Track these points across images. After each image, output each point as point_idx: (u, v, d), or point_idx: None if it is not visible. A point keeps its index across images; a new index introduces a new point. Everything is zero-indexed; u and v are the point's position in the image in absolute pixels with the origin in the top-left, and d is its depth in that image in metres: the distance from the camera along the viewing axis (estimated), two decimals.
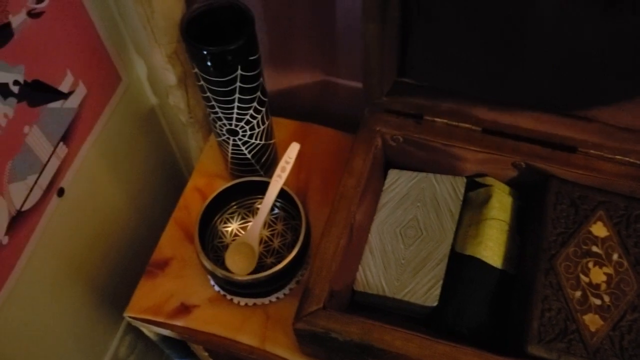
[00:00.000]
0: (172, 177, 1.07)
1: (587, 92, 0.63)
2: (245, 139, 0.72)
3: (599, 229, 0.65)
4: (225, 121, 0.69)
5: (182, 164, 1.11)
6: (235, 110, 0.67)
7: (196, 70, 0.64)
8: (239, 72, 0.63)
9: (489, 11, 0.59)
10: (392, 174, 0.74)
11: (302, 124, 0.86)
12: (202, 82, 0.65)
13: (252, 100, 0.67)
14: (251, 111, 0.68)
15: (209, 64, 0.62)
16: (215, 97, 0.66)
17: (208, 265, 0.67)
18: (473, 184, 0.72)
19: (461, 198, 0.70)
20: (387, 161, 0.76)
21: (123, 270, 0.97)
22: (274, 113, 0.83)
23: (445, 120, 0.71)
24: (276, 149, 0.80)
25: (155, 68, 0.84)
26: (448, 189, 0.71)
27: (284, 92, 0.86)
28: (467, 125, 0.71)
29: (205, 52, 0.61)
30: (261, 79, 0.67)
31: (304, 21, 0.75)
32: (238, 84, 0.64)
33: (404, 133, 0.72)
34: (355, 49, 0.75)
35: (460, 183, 0.71)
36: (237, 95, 0.65)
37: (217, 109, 0.68)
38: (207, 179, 0.83)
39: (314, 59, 0.79)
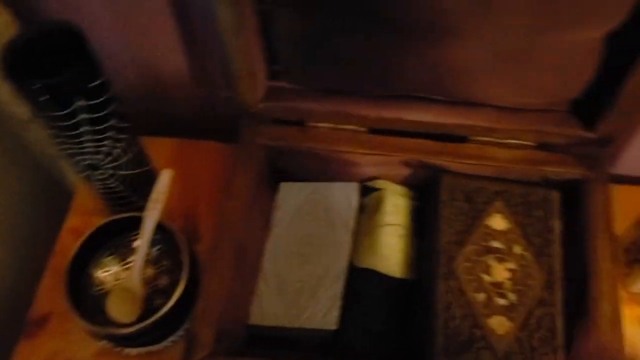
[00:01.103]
0: (59, 217, 0.96)
1: (464, 74, 0.59)
2: (110, 171, 0.64)
3: (498, 222, 0.61)
4: (79, 157, 0.61)
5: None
6: (87, 144, 0.59)
7: (30, 106, 0.56)
8: (80, 102, 0.55)
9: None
10: (284, 187, 0.68)
11: (185, 141, 0.79)
12: (40, 119, 0.57)
13: (106, 130, 0.59)
14: (108, 142, 0.60)
15: (43, 98, 0.54)
16: (59, 132, 0.58)
17: (84, 325, 0.60)
18: (366, 189, 0.67)
19: (355, 206, 0.65)
20: (277, 174, 0.70)
21: None
22: (152, 133, 0.76)
23: (328, 124, 0.66)
24: (154, 175, 0.72)
25: (6, 103, 0.75)
26: (341, 198, 0.66)
27: (161, 110, 0.78)
28: (352, 127, 0.65)
29: (36, 87, 0.53)
30: (113, 105, 0.59)
31: (164, 32, 0.67)
32: (82, 115, 0.56)
33: (288, 143, 0.66)
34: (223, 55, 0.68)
35: (353, 190, 0.66)
36: (85, 128, 0.57)
37: (67, 145, 0.60)
38: (85, 217, 0.74)
39: (184, 71, 0.72)
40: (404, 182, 0.67)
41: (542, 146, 0.63)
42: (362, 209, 0.66)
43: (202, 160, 0.77)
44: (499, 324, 0.56)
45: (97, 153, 0.61)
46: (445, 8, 0.50)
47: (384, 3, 0.52)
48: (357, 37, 0.56)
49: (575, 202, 0.62)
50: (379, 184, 0.66)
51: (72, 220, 0.75)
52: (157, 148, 0.77)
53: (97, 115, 0.58)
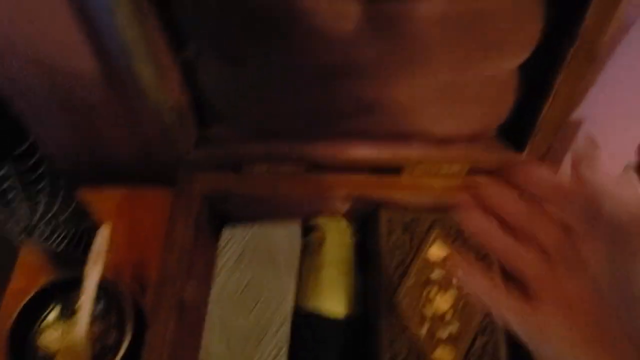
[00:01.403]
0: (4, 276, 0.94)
1: (391, 111, 0.60)
2: (47, 235, 0.63)
3: (437, 251, 0.62)
4: (11, 224, 0.60)
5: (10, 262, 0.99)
6: (19, 211, 0.59)
7: None
8: (5, 169, 0.54)
9: (272, 48, 0.54)
10: (225, 233, 0.68)
11: (130, 189, 0.78)
12: None
13: (38, 193, 0.59)
14: (41, 206, 0.60)
15: None
16: None
17: None
18: (308, 228, 0.67)
19: (297, 247, 0.65)
20: (218, 219, 0.70)
21: None
22: (94, 182, 0.75)
23: (265, 167, 0.66)
24: (98, 227, 0.72)
25: None
26: (283, 239, 0.66)
27: (102, 161, 0.78)
28: (289, 167, 0.66)
29: None
30: (44, 166, 0.58)
31: (92, 79, 0.67)
32: (8, 183, 0.55)
33: (226, 188, 0.66)
34: None
35: (295, 230, 0.66)
36: (12, 195, 0.57)
37: None
38: (30, 277, 0.73)
39: (119, 119, 0.72)
40: (344, 217, 0.67)
41: (475, 172, 0.64)
42: (304, 248, 0.66)
43: (148, 208, 0.77)
44: (443, 356, 0.56)
45: (30, 217, 0.60)
46: (355, 51, 0.51)
47: (303, 49, 0.52)
48: (279, 83, 0.56)
49: None
50: (320, 221, 0.66)
51: (17, 281, 0.73)
52: (102, 199, 0.76)
53: (26, 179, 0.57)
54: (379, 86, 0.56)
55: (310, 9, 0.48)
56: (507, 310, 0.36)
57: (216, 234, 0.69)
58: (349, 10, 0.49)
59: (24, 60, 0.64)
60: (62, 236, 0.65)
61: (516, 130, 0.62)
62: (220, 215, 0.69)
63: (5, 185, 0.55)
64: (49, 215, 0.62)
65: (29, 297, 0.64)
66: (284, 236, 0.66)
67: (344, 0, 0.48)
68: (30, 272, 0.74)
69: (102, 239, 0.63)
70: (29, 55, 0.64)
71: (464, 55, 0.52)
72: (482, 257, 0.61)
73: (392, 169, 0.65)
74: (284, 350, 0.59)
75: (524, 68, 0.55)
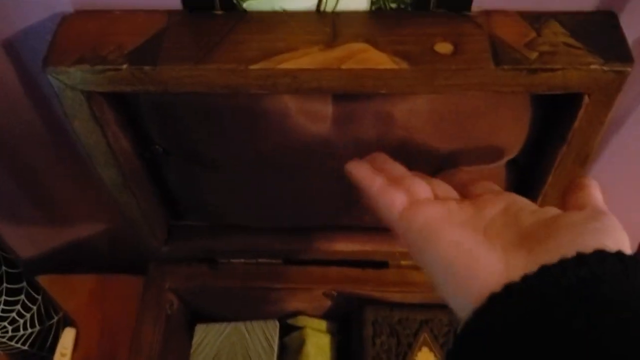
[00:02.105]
0: None
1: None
2: (10, 334, 0.59)
3: (425, 356, 0.57)
4: None
5: None
6: None
7: None
8: None
9: (237, 146, 0.51)
10: (199, 330, 0.64)
11: (100, 276, 0.74)
12: None
13: None
14: (1, 306, 0.56)
15: None
16: None
17: None
18: (287, 328, 0.62)
19: (275, 347, 0.60)
20: (193, 315, 0.66)
21: None
22: (64, 270, 0.72)
23: (241, 260, 0.62)
24: (68, 321, 0.68)
25: None
26: (260, 339, 0.61)
27: (72, 248, 0.74)
28: (266, 260, 0.62)
29: None
30: (3, 267, 0.55)
31: (58, 171, 0.64)
32: None
33: (200, 283, 0.62)
34: None
35: (273, 329, 0.62)
36: None
37: None
38: None
39: (88, 210, 0.69)
40: (326, 315, 0.63)
41: None
42: (283, 349, 0.62)
43: (121, 297, 0.72)
44: None
45: None
46: (340, 149, 0.48)
47: (276, 149, 0.49)
48: (250, 178, 0.53)
49: None
50: (300, 321, 0.62)
51: None
52: (70, 286, 0.72)
53: None
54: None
55: (281, 110, 0.45)
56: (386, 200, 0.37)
57: (189, 331, 0.64)
58: (321, 109, 0.46)
59: None
60: (25, 335, 0.61)
61: None
62: (193, 312, 0.64)
63: None
64: (11, 315, 0.58)
65: None
66: (261, 334, 0.61)
67: (316, 101, 0.45)
68: None
69: (66, 342, 0.59)
70: None
71: (446, 153, 0.48)
72: None
73: (377, 263, 0.61)
74: None
75: (512, 165, 0.52)
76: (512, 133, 0.47)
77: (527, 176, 0.52)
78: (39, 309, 0.61)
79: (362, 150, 0.48)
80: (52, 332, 0.64)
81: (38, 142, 0.60)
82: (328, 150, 0.49)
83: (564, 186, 0.49)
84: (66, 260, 0.74)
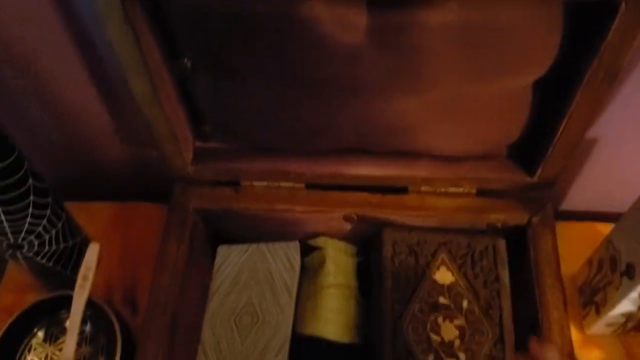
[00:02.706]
0: None
1: (398, 127, 0.57)
2: (35, 249, 0.60)
3: (444, 275, 0.59)
4: (0, 237, 0.57)
5: None
6: (6, 224, 0.55)
7: None
8: None
9: (271, 59, 0.51)
10: (221, 251, 0.65)
11: (121, 204, 0.75)
12: None
13: (24, 208, 0.55)
14: (28, 219, 0.57)
15: None
16: None
17: None
18: (308, 248, 0.64)
19: (297, 267, 0.62)
20: (214, 237, 0.67)
21: None
22: (85, 198, 0.72)
23: (264, 183, 0.63)
24: (88, 243, 0.69)
25: None
26: (282, 259, 0.63)
27: (91, 173, 0.75)
28: (288, 184, 0.63)
29: None
30: (30, 180, 0.55)
31: (84, 92, 0.64)
32: None
33: (223, 204, 0.63)
34: None
35: (294, 250, 0.63)
36: (1, 208, 0.54)
37: None
38: (17, 294, 0.70)
39: (112, 133, 0.69)
40: (346, 238, 0.64)
41: (483, 193, 0.61)
42: (303, 269, 0.63)
43: (141, 224, 0.74)
44: None
45: (18, 232, 0.57)
46: (359, 65, 0.48)
47: (297, 62, 0.49)
48: (278, 96, 0.54)
49: (521, 248, 0.60)
50: (320, 241, 0.63)
51: (3, 299, 0.70)
52: (91, 213, 0.73)
53: (12, 194, 0.54)
54: (384, 101, 0.53)
55: (312, 19, 0.45)
56: None
57: (211, 253, 0.66)
58: (353, 19, 0.46)
59: (15, 74, 0.62)
60: (50, 252, 0.62)
61: (528, 152, 0.59)
62: (216, 234, 0.66)
63: None
64: (37, 229, 0.59)
65: (13, 317, 0.61)
66: (283, 256, 0.63)
67: (348, 9, 0.45)
68: (16, 290, 0.70)
69: (91, 256, 0.60)
70: (22, 70, 0.61)
71: (476, 68, 0.49)
72: (491, 282, 0.58)
73: (398, 188, 0.62)
74: None
75: (538, 85, 0.52)
76: (543, 48, 0.48)
77: (554, 97, 0.52)
78: (63, 227, 0.62)
79: (393, 67, 0.49)
80: (76, 252, 0.65)
81: (66, 60, 0.60)
82: (358, 65, 0.49)
83: (590, 106, 0.51)
84: (89, 189, 0.75)
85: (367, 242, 0.63)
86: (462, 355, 0.54)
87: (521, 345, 0.56)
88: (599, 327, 0.63)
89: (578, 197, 0.73)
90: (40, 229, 0.59)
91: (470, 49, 0.47)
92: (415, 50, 0.47)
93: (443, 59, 0.48)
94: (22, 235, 0.58)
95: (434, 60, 0.48)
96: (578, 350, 0.57)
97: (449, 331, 0.56)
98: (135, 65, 0.49)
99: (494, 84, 0.51)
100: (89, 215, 0.71)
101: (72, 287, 0.61)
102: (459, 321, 0.56)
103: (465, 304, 0.57)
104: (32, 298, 0.65)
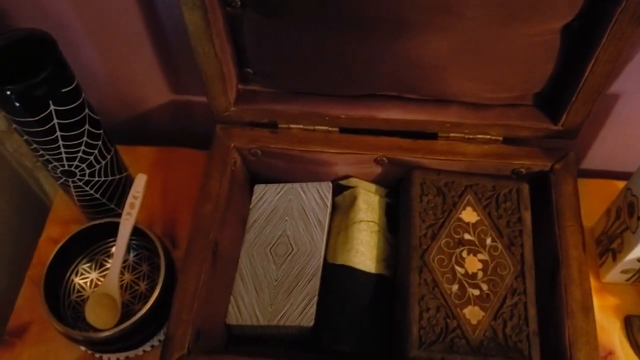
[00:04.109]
0: (38, 227, 0.97)
1: (430, 71, 0.60)
2: (86, 178, 0.65)
3: (469, 215, 0.62)
4: (55, 163, 0.61)
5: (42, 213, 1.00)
6: (63, 150, 0.60)
7: (4, 114, 0.56)
8: (53, 107, 0.56)
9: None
10: (258, 189, 0.69)
11: (163, 149, 0.80)
12: (15, 125, 0.57)
13: (79, 136, 0.60)
14: (82, 147, 0.61)
15: (15, 104, 0.54)
16: (34, 139, 0.58)
17: (59, 327, 0.60)
18: (340, 188, 0.67)
19: (328, 205, 0.66)
20: (251, 176, 0.71)
21: None
22: (129, 141, 0.77)
23: (300, 126, 0.67)
24: (132, 182, 0.73)
25: None
26: (315, 197, 0.66)
27: (135, 118, 0.79)
28: (323, 128, 0.66)
29: (7, 92, 0.53)
30: (86, 110, 0.60)
31: (135, 39, 0.68)
32: (55, 121, 0.57)
33: (261, 145, 0.67)
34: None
35: (326, 189, 0.67)
36: (58, 134, 0.58)
37: (41, 152, 0.60)
38: (63, 226, 0.75)
39: (156, 77, 0.73)
40: (376, 180, 0.68)
41: (509, 140, 0.64)
42: (335, 207, 0.67)
43: (180, 167, 0.78)
44: (472, 314, 0.57)
45: (72, 159, 0.62)
46: (402, 4, 0.52)
47: (343, 3, 0.53)
48: (321, 37, 0.57)
49: (544, 192, 0.63)
50: (352, 182, 0.67)
51: (50, 230, 0.75)
52: (135, 156, 0.77)
53: (70, 120, 0.58)
54: (421, 42, 0.56)
55: None
56: None
57: (249, 191, 0.70)
58: None
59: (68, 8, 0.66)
60: (99, 182, 0.66)
61: (553, 101, 0.62)
62: (253, 172, 0.70)
63: (51, 124, 0.57)
64: (89, 159, 0.63)
65: (63, 240, 0.65)
66: (316, 194, 0.66)
67: None
68: (62, 222, 0.75)
69: (139, 187, 0.64)
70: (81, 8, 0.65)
71: (508, 9, 0.52)
72: (514, 223, 0.61)
73: (428, 134, 0.65)
74: (315, 300, 0.60)
75: (566, 32, 0.55)
76: None
77: (580, 44, 0.55)
78: (112, 160, 0.67)
79: (432, 5, 0.52)
80: (121, 186, 0.70)
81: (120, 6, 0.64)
82: (401, 4, 0.52)
83: (616, 50, 0.53)
84: (131, 134, 0.79)
85: (394, 184, 0.67)
86: (484, 286, 0.58)
87: (541, 281, 0.59)
88: (614, 274, 0.66)
89: (597, 156, 0.76)
90: (92, 158, 0.64)
91: None
92: None
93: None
94: (76, 163, 0.63)
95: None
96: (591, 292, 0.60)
97: (473, 264, 0.59)
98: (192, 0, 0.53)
99: (524, 28, 0.54)
100: (131, 157, 0.75)
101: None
102: (483, 256, 0.59)
103: (488, 240, 0.60)
104: (78, 227, 0.70)
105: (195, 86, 0.74)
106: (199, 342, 0.57)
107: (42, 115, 0.56)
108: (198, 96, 0.75)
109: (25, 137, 0.59)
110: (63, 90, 0.56)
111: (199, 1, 0.53)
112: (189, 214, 0.75)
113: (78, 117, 0.59)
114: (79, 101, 0.59)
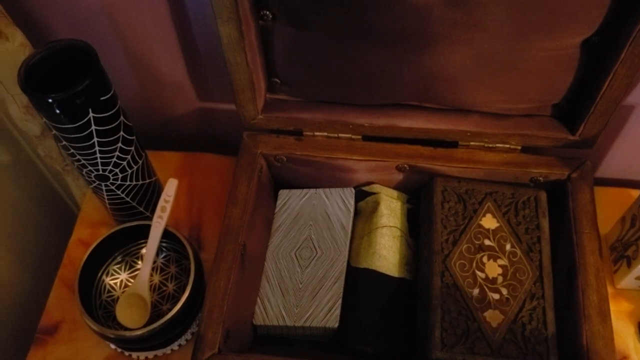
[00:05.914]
0: (65, 229, 0.99)
1: (452, 82, 0.62)
2: (119, 182, 0.67)
3: (489, 221, 0.64)
4: (90, 168, 0.64)
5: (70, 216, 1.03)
6: (98, 155, 0.62)
7: (45, 120, 0.59)
8: (92, 115, 0.58)
9: (347, 13, 0.57)
10: (282, 194, 0.71)
11: (188, 154, 0.82)
12: (54, 131, 0.60)
13: (114, 142, 0.63)
14: (117, 153, 0.64)
15: (57, 111, 0.57)
16: (72, 144, 0.61)
17: (93, 326, 0.62)
18: (362, 194, 0.70)
19: (352, 210, 0.68)
20: (276, 182, 0.73)
21: (8, 340, 0.89)
22: (156, 147, 0.79)
23: (325, 133, 0.69)
24: (160, 187, 0.75)
25: (16, 119, 0.78)
26: (338, 203, 0.69)
27: (163, 125, 0.82)
28: (347, 135, 0.69)
29: (50, 100, 0.56)
30: (121, 117, 0.62)
31: (165, 48, 0.71)
32: (93, 127, 0.59)
33: (287, 152, 0.69)
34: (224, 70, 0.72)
35: (349, 194, 0.69)
36: (95, 139, 0.60)
37: (78, 157, 0.63)
38: (92, 229, 0.77)
39: (185, 86, 0.76)
40: (398, 187, 0.70)
41: (528, 149, 0.67)
42: (358, 212, 0.69)
43: (206, 173, 0.80)
44: (492, 317, 0.59)
45: (107, 164, 0.64)
46: (428, 19, 0.54)
47: (371, 17, 0.55)
48: (348, 49, 0.60)
49: (561, 200, 0.65)
50: (374, 188, 0.69)
51: (80, 232, 0.77)
52: (162, 161, 0.80)
53: (107, 127, 0.61)
54: (445, 54, 0.58)
55: None
56: None
57: (274, 196, 0.72)
58: None
59: (103, 24, 0.68)
60: (130, 186, 0.69)
61: (571, 111, 0.65)
62: (278, 179, 0.72)
63: (89, 130, 0.59)
64: (123, 163, 0.65)
65: (96, 242, 0.67)
66: (339, 199, 0.69)
67: None
68: (91, 225, 0.78)
69: (170, 190, 0.67)
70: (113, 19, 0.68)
71: (528, 25, 0.54)
72: (532, 229, 0.63)
73: (448, 143, 0.67)
74: (339, 302, 0.62)
75: (585, 46, 0.57)
76: (595, 8, 0.53)
77: (599, 58, 0.58)
78: (142, 165, 0.69)
79: (457, 20, 0.54)
80: (150, 191, 0.72)
81: (153, 16, 0.67)
82: (427, 19, 0.54)
83: (634, 65, 0.56)
84: (159, 139, 0.81)
85: (415, 191, 0.69)
86: (504, 290, 0.60)
87: (559, 286, 0.61)
88: (629, 280, 0.68)
89: (612, 165, 0.78)
90: (125, 163, 0.66)
91: (525, 5, 0.52)
92: (479, 3, 0.53)
93: (500, 13, 0.53)
94: (110, 167, 0.65)
95: (490, 14, 0.53)
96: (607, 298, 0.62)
97: (493, 269, 0.61)
98: (227, 13, 0.56)
99: (544, 42, 0.56)
100: (160, 162, 0.77)
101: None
102: (502, 261, 0.62)
103: (508, 246, 0.62)
104: (105, 232, 0.72)
105: (221, 94, 0.77)
106: (228, 341, 0.59)
107: (81, 122, 0.58)
108: (223, 104, 0.78)
109: (64, 142, 0.61)
110: (101, 98, 0.59)
111: (233, 14, 0.56)
112: (213, 217, 0.77)
113: (114, 124, 0.62)
114: (115, 109, 0.61)
